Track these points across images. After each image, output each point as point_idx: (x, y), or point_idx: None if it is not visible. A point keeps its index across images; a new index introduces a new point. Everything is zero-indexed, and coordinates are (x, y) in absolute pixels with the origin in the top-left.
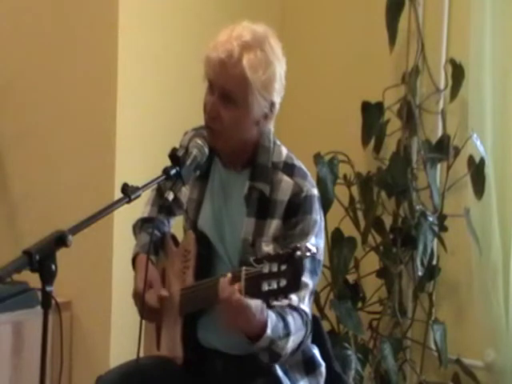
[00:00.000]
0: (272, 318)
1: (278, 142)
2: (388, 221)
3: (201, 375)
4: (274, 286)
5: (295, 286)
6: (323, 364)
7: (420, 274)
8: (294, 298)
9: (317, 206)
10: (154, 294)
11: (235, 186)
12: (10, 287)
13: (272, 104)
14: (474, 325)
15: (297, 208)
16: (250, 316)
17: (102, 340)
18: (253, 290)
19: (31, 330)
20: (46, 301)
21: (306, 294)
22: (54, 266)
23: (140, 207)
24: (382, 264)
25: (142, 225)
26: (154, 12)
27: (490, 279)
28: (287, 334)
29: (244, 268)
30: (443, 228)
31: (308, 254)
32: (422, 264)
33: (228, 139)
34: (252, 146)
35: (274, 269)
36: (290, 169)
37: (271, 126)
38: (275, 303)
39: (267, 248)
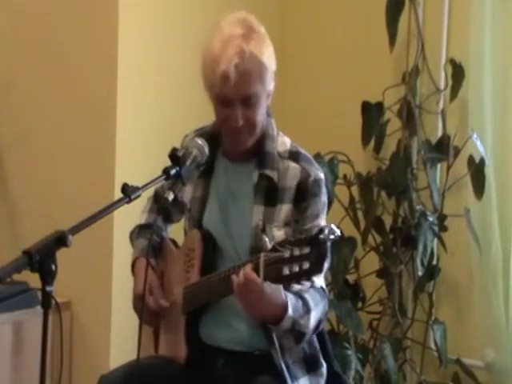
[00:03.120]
0: (291, 298)
1: (280, 132)
2: (388, 221)
3: (202, 373)
4: (296, 269)
5: (319, 268)
6: (325, 365)
7: (420, 274)
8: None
9: (324, 188)
10: (155, 300)
11: (242, 177)
12: (9, 287)
13: (274, 70)
14: (474, 325)
15: (306, 192)
16: (270, 301)
17: (102, 340)
18: (273, 275)
19: (31, 330)
20: (46, 301)
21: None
22: (54, 266)
23: (140, 207)
24: (382, 264)
25: (139, 231)
26: (154, 14)
27: (490, 279)
28: (307, 311)
29: (263, 254)
30: (443, 228)
31: (332, 236)
32: (422, 264)
33: (256, 133)
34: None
35: (296, 252)
36: (295, 156)
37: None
38: (297, 287)
39: (279, 232)
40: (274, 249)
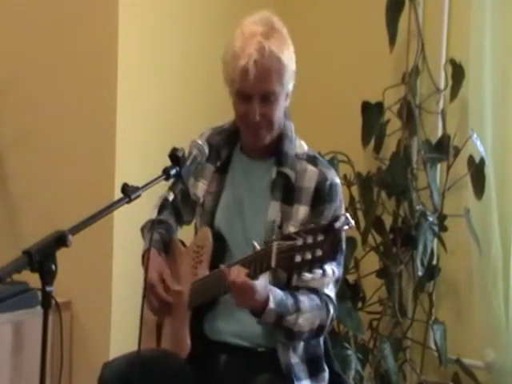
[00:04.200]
0: (277, 293)
1: (297, 136)
2: (388, 221)
3: (204, 369)
4: (309, 256)
5: (332, 255)
6: (327, 371)
7: (420, 274)
8: (318, 280)
9: (341, 194)
10: (165, 288)
11: (259, 172)
12: (9, 287)
13: (294, 70)
14: (474, 325)
15: (323, 195)
16: (254, 294)
17: (102, 340)
18: (285, 263)
19: (31, 330)
20: (46, 301)
21: (331, 281)
22: (53, 266)
23: (140, 207)
24: (382, 264)
25: (151, 226)
26: (154, 14)
27: (490, 279)
28: (297, 310)
29: (276, 242)
30: (443, 228)
31: (346, 227)
32: (422, 264)
33: (274, 131)
34: (278, 135)
35: (310, 240)
36: (313, 159)
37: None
38: (307, 275)
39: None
40: (288, 237)
